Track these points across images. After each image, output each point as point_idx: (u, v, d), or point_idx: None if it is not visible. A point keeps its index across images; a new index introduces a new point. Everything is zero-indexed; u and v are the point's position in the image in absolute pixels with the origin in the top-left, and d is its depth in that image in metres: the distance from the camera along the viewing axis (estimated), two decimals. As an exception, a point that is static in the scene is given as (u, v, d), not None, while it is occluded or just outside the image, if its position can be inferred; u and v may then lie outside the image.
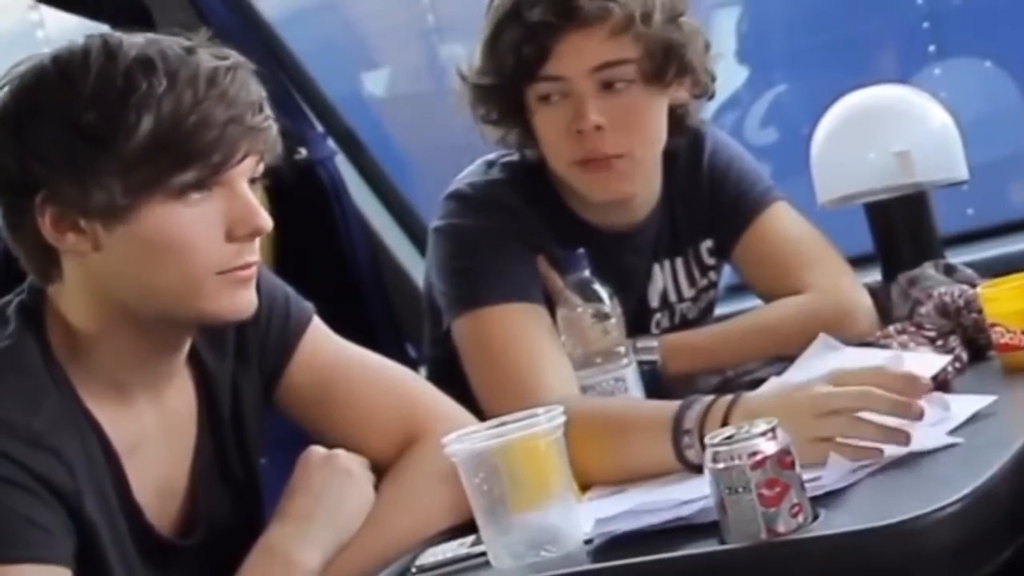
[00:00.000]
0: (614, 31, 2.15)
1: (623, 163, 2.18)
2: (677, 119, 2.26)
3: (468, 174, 2.30)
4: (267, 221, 1.73)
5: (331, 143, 3.30)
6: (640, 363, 2.14)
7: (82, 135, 1.65)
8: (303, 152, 3.17)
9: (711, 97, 2.31)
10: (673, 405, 1.82)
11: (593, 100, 2.15)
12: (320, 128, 3.29)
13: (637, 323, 2.26)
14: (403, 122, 3.88)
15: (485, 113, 2.26)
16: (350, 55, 4.22)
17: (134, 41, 1.71)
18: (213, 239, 1.70)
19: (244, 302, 1.74)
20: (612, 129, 2.15)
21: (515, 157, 2.29)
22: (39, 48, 1.74)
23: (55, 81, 1.69)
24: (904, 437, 1.62)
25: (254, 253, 1.74)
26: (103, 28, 3.08)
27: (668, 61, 2.18)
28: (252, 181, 1.75)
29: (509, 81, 2.19)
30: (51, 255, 1.73)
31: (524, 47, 2.15)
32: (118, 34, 1.73)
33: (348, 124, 3.39)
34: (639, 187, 2.25)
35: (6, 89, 1.72)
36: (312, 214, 3.20)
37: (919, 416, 1.65)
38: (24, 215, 1.70)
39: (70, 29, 3.38)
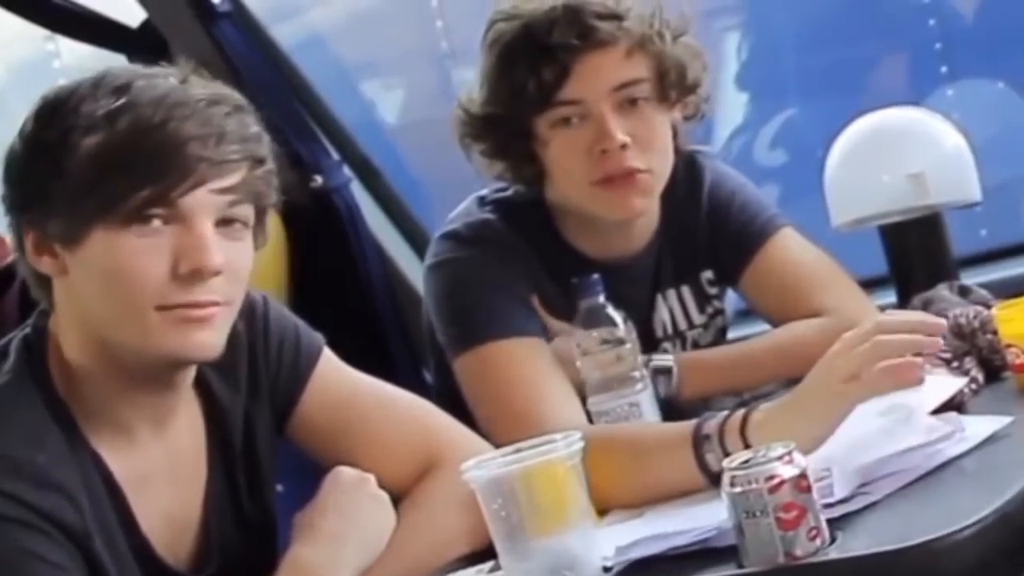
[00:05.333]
0: (629, 51, 2.18)
1: (645, 178, 2.19)
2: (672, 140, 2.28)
3: (460, 213, 2.31)
4: (214, 262, 1.66)
5: (346, 170, 3.32)
6: (655, 372, 2.15)
7: (43, 157, 1.67)
8: (319, 180, 3.19)
9: (702, 118, 2.32)
10: (690, 422, 1.83)
11: (614, 119, 2.16)
12: (335, 156, 3.30)
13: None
14: (418, 148, 3.88)
15: (483, 147, 2.26)
16: (365, 82, 4.24)
17: (136, 71, 1.72)
18: (155, 272, 1.66)
19: (197, 343, 1.68)
20: (635, 146, 2.17)
21: (507, 193, 2.30)
22: (55, 78, 1.76)
23: (48, 107, 1.70)
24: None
25: (211, 293, 1.68)
26: (120, 59, 3.11)
27: (677, 80, 2.21)
28: (227, 223, 1.70)
29: (517, 110, 2.20)
30: (44, 281, 1.74)
31: (544, 70, 2.17)
32: (133, 66, 1.74)
33: (363, 151, 3.41)
34: (651, 207, 2.27)
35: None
36: (328, 241, 3.21)
37: (935, 347, 1.73)
38: (19, 239, 1.73)
39: (87, 59, 3.40)
